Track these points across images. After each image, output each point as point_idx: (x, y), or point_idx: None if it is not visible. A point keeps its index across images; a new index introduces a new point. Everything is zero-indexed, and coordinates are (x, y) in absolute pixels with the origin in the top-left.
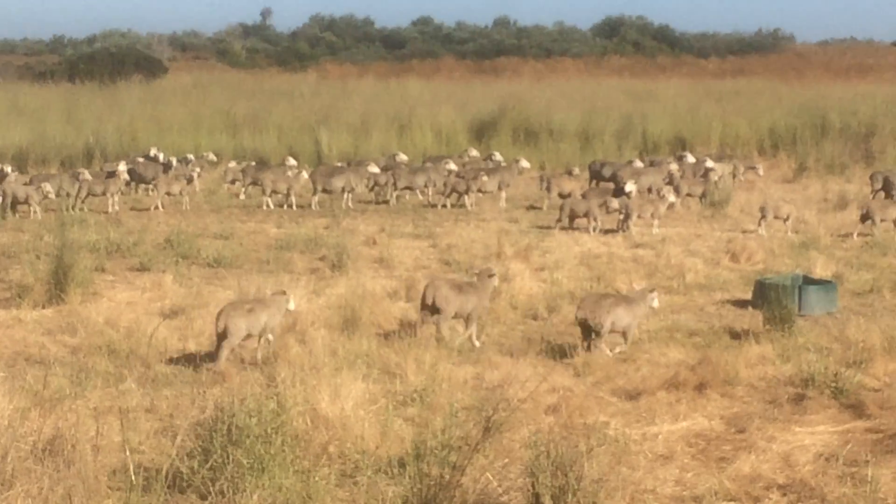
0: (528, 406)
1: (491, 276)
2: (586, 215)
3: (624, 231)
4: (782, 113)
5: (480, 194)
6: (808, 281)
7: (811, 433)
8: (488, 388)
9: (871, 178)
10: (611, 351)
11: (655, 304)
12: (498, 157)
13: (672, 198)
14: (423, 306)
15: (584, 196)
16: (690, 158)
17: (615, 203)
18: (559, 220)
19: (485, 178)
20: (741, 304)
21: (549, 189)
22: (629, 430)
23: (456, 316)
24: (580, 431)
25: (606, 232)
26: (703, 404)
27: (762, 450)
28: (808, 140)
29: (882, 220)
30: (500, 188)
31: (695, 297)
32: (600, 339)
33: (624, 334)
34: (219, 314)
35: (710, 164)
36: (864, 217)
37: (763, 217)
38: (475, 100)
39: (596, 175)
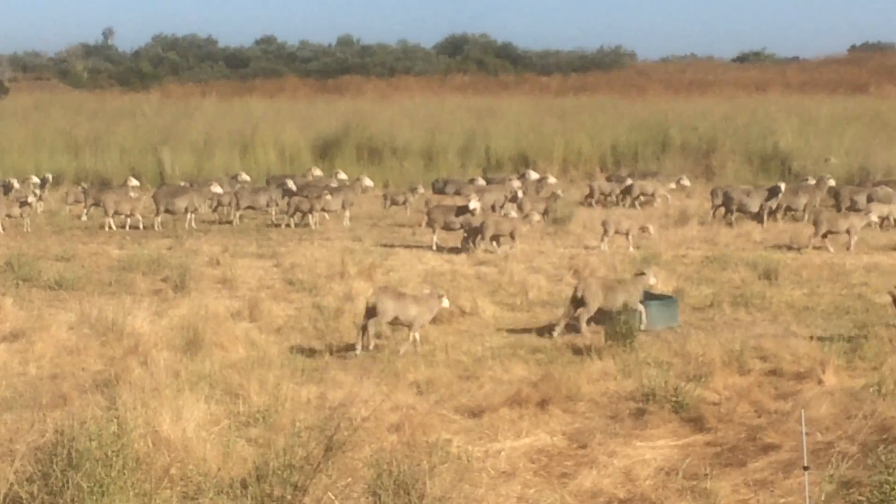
0: (371, 425)
1: (642, 275)
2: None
3: (466, 249)
4: (624, 129)
5: (325, 213)
6: (650, 296)
7: (652, 447)
8: (331, 407)
9: (712, 193)
10: None
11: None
12: (342, 175)
13: (513, 214)
14: (573, 300)
15: (428, 214)
16: (533, 175)
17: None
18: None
19: (328, 197)
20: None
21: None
22: (472, 447)
23: (600, 310)
24: (423, 449)
25: (450, 250)
26: (546, 420)
27: (603, 465)
28: (649, 156)
29: (831, 232)
30: (344, 207)
31: (538, 313)
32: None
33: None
34: (372, 293)
35: (551, 179)
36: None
37: (605, 233)
38: (319, 118)
39: (440, 193)
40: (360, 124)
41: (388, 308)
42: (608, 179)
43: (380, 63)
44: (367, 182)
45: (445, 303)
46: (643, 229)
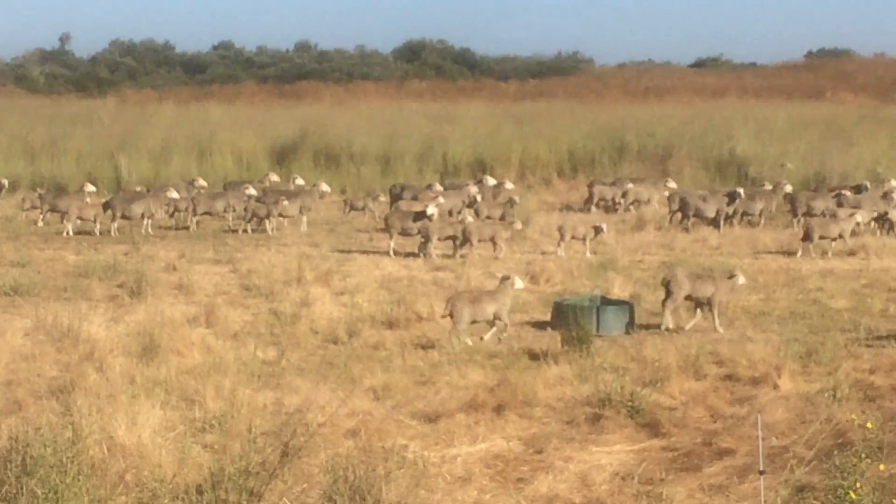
0: (328, 430)
1: (733, 276)
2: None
3: (424, 254)
4: (581, 135)
5: (282, 219)
6: (606, 301)
7: (608, 452)
8: (287, 413)
9: (669, 198)
10: None
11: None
12: (300, 181)
13: (470, 220)
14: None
15: (385, 220)
16: (490, 181)
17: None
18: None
19: (285, 202)
20: (540, 325)
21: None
22: (428, 452)
23: (688, 298)
24: (379, 455)
25: (407, 255)
26: (502, 425)
27: (559, 470)
28: (606, 161)
29: (821, 238)
30: (301, 212)
31: None
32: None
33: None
34: (448, 299)
35: (508, 185)
36: (806, 236)
37: (562, 238)
38: (276, 124)
39: (397, 199)
40: (317, 130)
41: (465, 314)
42: (612, 184)
43: (337, 69)
44: (325, 188)
45: (519, 284)
46: (596, 228)
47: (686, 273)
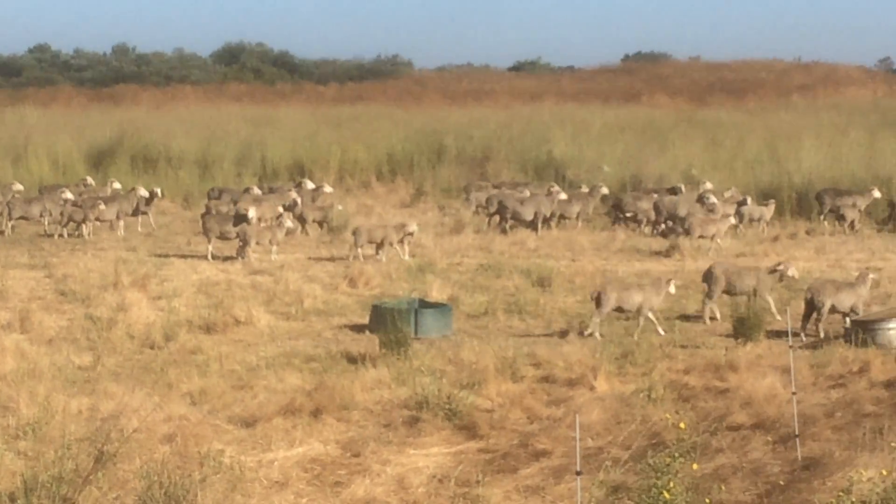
0: (143, 436)
1: (870, 276)
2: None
3: (242, 258)
4: (400, 138)
5: (98, 223)
6: (424, 304)
7: (425, 455)
8: (102, 418)
9: (487, 201)
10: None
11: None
12: (116, 185)
13: (290, 223)
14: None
15: (203, 223)
16: (309, 185)
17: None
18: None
19: (102, 206)
20: (359, 328)
21: None
22: (245, 457)
23: (832, 311)
24: (195, 460)
25: (225, 259)
26: (320, 429)
27: (377, 473)
28: (424, 165)
29: (702, 237)
30: (118, 217)
31: (313, 322)
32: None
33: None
34: (599, 284)
35: (327, 188)
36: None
37: (356, 243)
38: (93, 128)
39: (215, 202)
40: (134, 133)
41: (611, 298)
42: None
43: (156, 72)
44: (143, 192)
45: (672, 288)
46: (402, 227)
47: (615, 287)
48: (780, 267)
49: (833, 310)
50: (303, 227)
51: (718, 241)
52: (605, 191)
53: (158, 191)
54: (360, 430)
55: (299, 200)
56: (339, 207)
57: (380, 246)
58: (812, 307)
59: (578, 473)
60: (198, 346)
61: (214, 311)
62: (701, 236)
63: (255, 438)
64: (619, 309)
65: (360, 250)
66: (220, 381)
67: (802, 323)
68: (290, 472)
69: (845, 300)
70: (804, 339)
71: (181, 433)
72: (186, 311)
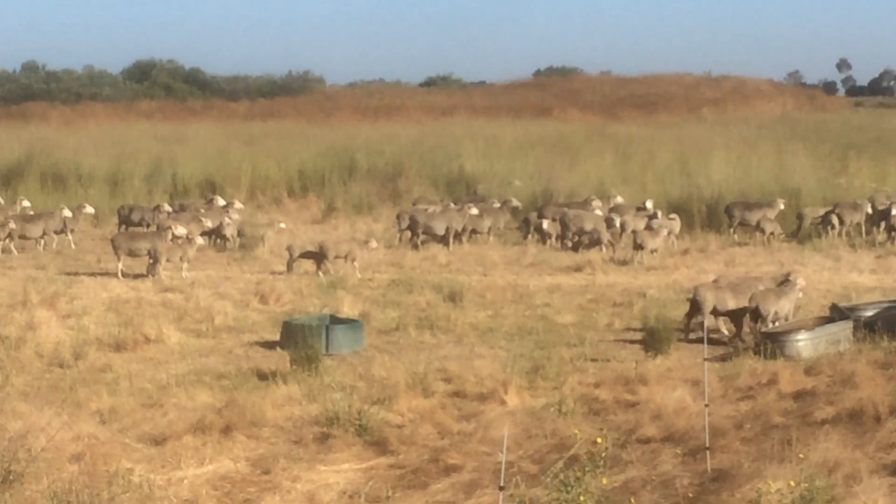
0: (51, 455)
1: (799, 281)
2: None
3: (153, 275)
4: (311, 154)
5: (23, 241)
6: (336, 320)
7: (336, 471)
8: (10, 438)
9: (398, 217)
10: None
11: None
12: (25, 203)
13: (201, 241)
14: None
15: (112, 241)
16: (220, 201)
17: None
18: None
19: (12, 225)
20: (270, 345)
21: None
22: (154, 475)
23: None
24: (104, 479)
25: (136, 276)
26: (230, 447)
27: (287, 490)
28: (336, 181)
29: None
30: (42, 236)
31: (224, 339)
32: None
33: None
34: (696, 287)
35: (238, 205)
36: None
37: (291, 257)
38: (1, 146)
39: (125, 220)
40: (44, 151)
41: (708, 299)
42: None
43: (66, 89)
44: (67, 212)
45: (802, 282)
46: (365, 243)
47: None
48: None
49: (775, 316)
50: (222, 242)
51: (658, 254)
52: (516, 204)
53: (91, 209)
54: (271, 447)
55: (231, 219)
56: (282, 225)
57: (345, 260)
58: (756, 315)
59: (501, 489)
60: (107, 364)
61: (124, 328)
62: (651, 250)
63: (164, 456)
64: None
65: (330, 265)
66: (130, 399)
67: (737, 331)
68: (200, 490)
69: (785, 307)
70: (744, 342)
71: (90, 452)
72: (96, 330)
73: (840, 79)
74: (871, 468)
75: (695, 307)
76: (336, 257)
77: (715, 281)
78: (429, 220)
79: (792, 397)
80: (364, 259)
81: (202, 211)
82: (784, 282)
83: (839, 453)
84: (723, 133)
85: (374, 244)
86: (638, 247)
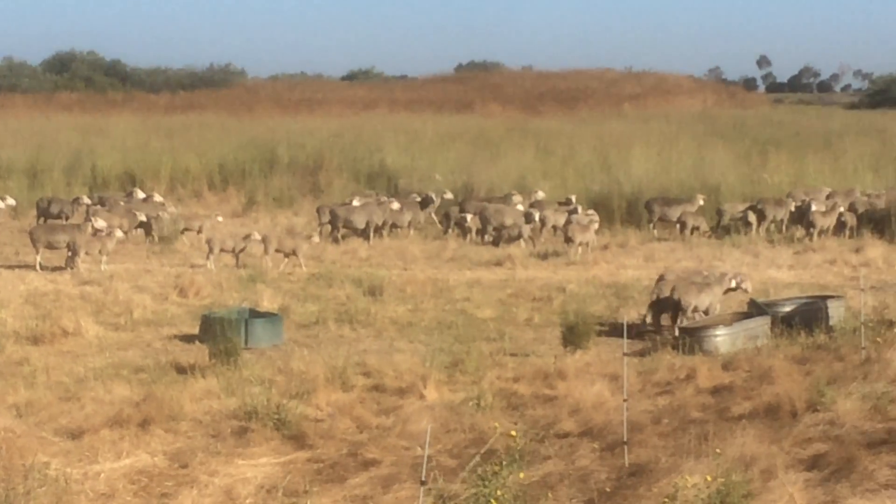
0: None
1: (727, 277)
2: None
3: (72, 268)
4: (232, 147)
5: None
6: (255, 314)
7: (254, 465)
8: None
9: (318, 211)
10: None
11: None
12: None
13: (120, 234)
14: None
15: (31, 233)
16: (140, 194)
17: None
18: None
19: None
20: (189, 338)
21: None
22: (71, 469)
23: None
24: (20, 472)
25: (54, 269)
26: (147, 441)
27: (204, 484)
28: (256, 174)
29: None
30: None
31: (142, 333)
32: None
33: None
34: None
35: (157, 198)
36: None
37: (210, 251)
38: None
39: (44, 213)
40: None
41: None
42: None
43: None
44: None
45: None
46: (309, 237)
47: None
48: (736, 281)
49: (695, 309)
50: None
51: (589, 247)
52: (448, 196)
53: (13, 201)
54: (189, 441)
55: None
56: (220, 218)
57: (288, 255)
58: (677, 308)
59: (423, 483)
60: (24, 357)
61: (42, 321)
62: (580, 243)
63: (81, 450)
64: None
65: (211, 258)
66: (47, 392)
67: (655, 323)
68: (117, 483)
69: (706, 301)
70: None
71: (6, 446)
72: (13, 323)
73: (760, 75)
74: (787, 463)
75: (666, 304)
76: (278, 251)
77: (663, 275)
78: (349, 214)
79: (709, 392)
80: (308, 254)
81: (121, 204)
82: (729, 290)
83: (756, 448)
84: (643, 128)
85: (316, 239)
86: (568, 240)
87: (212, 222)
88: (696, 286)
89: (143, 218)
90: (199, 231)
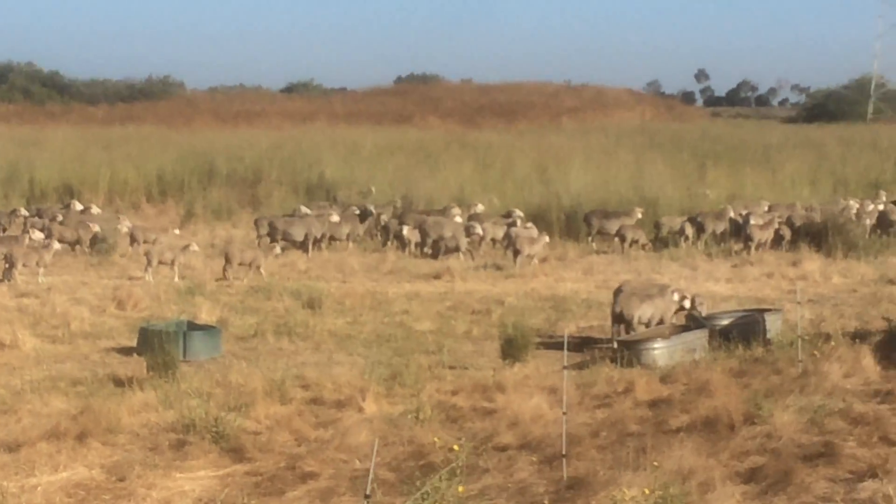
0: None
1: (670, 290)
2: None
3: (8, 280)
4: (170, 159)
5: None
6: (193, 327)
7: (192, 479)
8: None
9: (257, 223)
10: None
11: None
12: None
13: (57, 246)
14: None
15: None
16: (77, 206)
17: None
18: None
19: None
20: (127, 351)
21: None
22: (7, 482)
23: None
24: None
25: None
26: (85, 454)
27: (142, 497)
28: (195, 186)
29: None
30: None
31: (80, 345)
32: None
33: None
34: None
35: (95, 210)
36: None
37: (149, 263)
38: None
39: None
40: None
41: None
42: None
43: None
44: None
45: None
46: (272, 248)
47: None
48: (685, 302)
49: (639, 321)
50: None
51: (536, 260)
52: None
53: None
54: (126, 454)
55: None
56: (176, 231)
57: (248, 266)
58: (621, 319)
59: (367, 497)
60: None
61: None
62: (528, 255)
63: (18, 463)
64: None
65: (150, 269)
66: None
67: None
68: (54, 497)
69: (648, 312)
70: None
71: None
72: None
73: (698, 89)
74: (724, 475)
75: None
76: (240, 264)
77: (620, 288)
78: (288, 227)
79: (647, 405)
80: (269, 266)
81: (60, 217)
82: (681, 308)
83: (693, 461)
84: (582, 142)
85: (278, 250)
86: (515, 252)
87: (168, 237)
88: (637, 297)
89: (97, 230)
90: (154, 244)
